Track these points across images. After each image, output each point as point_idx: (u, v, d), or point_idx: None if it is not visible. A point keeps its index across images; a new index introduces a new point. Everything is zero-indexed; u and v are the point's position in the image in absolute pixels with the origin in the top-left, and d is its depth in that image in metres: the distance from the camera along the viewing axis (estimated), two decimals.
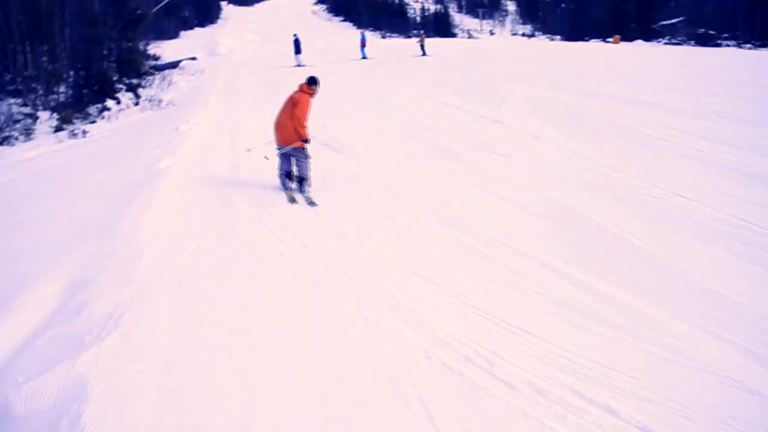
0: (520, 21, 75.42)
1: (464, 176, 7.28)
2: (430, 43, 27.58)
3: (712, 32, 43.99)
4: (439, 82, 15.76)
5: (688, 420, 2.94)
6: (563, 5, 63.09)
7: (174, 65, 25.83)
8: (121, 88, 19.29)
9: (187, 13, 61.95)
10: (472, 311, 4.05)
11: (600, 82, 14.31)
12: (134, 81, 20.41)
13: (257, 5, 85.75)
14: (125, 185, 7.68)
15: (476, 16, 76.21)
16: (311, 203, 6.54)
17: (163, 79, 21.74)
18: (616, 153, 7.81)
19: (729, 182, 6.45)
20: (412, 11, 75.19)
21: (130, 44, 21.98)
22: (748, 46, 37.29)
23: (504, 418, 3.00)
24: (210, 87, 18.39)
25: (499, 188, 6.71)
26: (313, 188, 6.86)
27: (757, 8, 40.20)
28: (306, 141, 6.75)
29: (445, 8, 74.79)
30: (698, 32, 44.39)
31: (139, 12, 22.70)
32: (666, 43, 42.19)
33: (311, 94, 6.81)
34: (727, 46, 39.72)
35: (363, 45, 25.38)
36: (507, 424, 2.96)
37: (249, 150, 7.56)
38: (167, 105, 17.09)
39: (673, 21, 49.30)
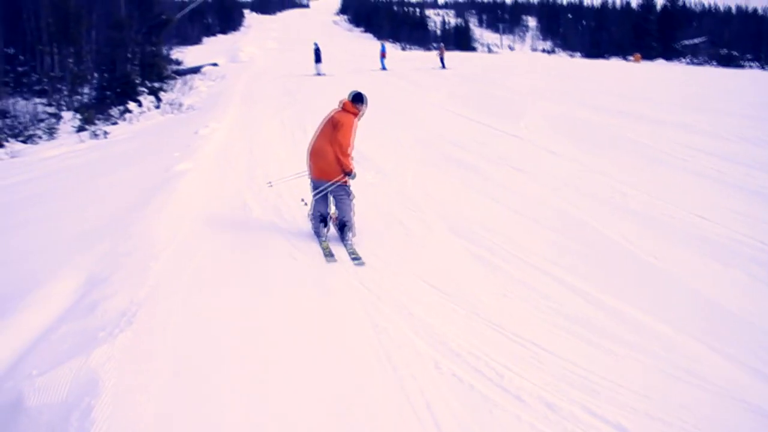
0: (541, 37, 75.43)
1: (480, 189, 7.27)
2: (450, 56, 27.69)
3: (734, 53, 43.70)
4: (458, 95, 15.81)
5: None
6: (584, 22, 63.08)
7: (196, 70, 26.23)
8: (144, 91, 19.62)
9: (210, 20, 62.79)
10: (483, 323, 4.04)
11: (618, 99, 14.26)
12: (156, 84, 20.75)
13: (279, 14, 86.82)
14: (143, 186, 7.77)
15: (496, 30, 76.37)
16: (356, 259, 5.06)
17: (185, 83, 22.07)
18: (633, 170, 7.76)
19: (748, 204, 6.38)
20: (432, 24, 75.47)
21: (154, 48, 22.38)
22: None
23: (512, 431, 2.98)
24: (230, 93, 18.60)
25: (514, 201, 6.70)
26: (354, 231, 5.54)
27: None
28: (349, 174, 5.34)
29: (466, 22, 74.94)
30: (721, 53, 44.14)
31: (163, 17, 23.12)
32: (688, 63, 41.98)
33: (356, 115, 5.35)
34: (750, 67, 39.40)
35: (383, 56, 25.59)
36: None
37: (270, 185, 6.57)
38: (188, 109, 17.31)
39: (696, 41, 49.07)
